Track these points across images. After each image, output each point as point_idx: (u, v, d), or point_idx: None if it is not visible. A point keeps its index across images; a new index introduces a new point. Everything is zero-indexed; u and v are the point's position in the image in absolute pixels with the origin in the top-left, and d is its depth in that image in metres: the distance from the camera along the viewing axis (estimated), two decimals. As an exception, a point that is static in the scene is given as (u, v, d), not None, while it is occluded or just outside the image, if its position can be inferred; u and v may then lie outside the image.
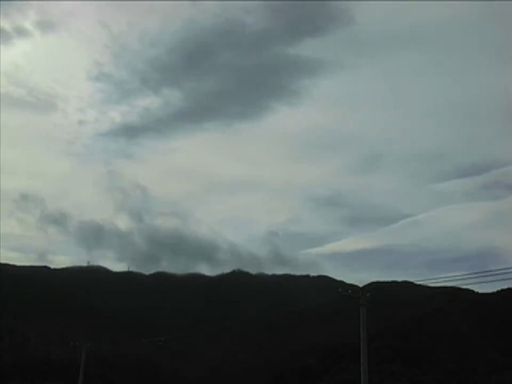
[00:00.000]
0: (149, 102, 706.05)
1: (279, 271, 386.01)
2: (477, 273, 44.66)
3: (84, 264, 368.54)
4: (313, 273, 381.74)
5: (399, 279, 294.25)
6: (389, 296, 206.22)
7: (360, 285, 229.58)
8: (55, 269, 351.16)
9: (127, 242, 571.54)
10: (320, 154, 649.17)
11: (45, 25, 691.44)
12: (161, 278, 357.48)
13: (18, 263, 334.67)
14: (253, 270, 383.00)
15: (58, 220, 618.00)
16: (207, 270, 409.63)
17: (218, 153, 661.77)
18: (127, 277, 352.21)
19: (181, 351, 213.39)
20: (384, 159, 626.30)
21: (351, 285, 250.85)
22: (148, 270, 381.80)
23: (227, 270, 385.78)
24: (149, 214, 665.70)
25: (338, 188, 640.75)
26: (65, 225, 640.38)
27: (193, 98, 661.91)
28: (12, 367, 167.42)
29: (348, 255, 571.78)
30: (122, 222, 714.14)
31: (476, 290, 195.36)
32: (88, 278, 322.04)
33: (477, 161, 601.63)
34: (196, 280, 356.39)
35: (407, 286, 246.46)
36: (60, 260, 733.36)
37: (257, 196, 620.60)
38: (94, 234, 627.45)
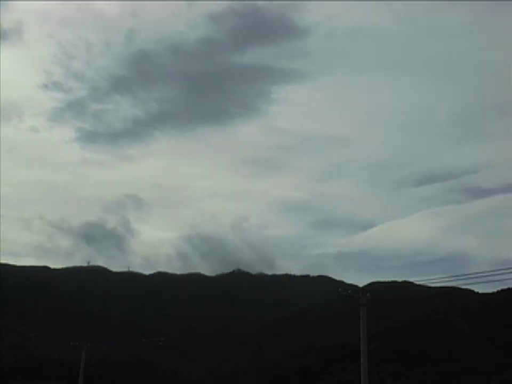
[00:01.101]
0: (102, 110, 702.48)
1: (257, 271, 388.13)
2: (477, 273, 44.74)
3: (84, 264, 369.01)
4: (312, 273, 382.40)
5: (399, 279, 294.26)
6: (389, 296, 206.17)
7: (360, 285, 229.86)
8: (55, 269, 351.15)
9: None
10: (285, 161, 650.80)
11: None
12: (161, 278, 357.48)
13: (18, 263, 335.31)
14: (252, 270, 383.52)
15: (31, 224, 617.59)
16: (207, 270, 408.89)
17: (179, 160, 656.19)
18: (127, 277, 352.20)
19: (181, 351, 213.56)
20: (345, 167, 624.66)
21: (351, 285, 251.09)
22: (147, 270, 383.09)
23: (227, 270, 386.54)
24: (109, 220, 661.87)
25: (303, 195, 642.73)
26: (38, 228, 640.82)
27: (147, 106, 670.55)
28: (12, 367, 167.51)
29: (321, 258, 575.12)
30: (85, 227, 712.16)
31: (475, 290, 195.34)
32: (88, 278, 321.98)
33: (434, 169, 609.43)
34: (196, 280, 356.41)
35: (407, 286, 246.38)
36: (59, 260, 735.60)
37: (222, 201, 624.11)
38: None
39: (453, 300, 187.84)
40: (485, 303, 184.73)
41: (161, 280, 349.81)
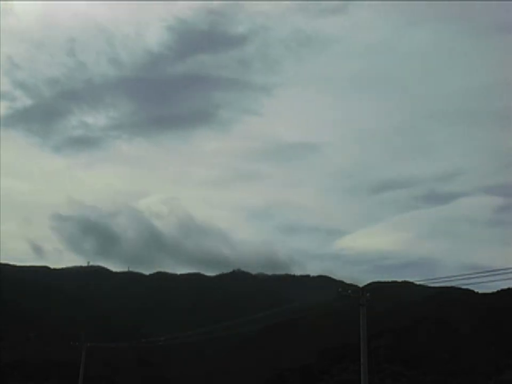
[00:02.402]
0: (52, 118, 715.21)
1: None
2: (477, 273, 44.74)
3: (84, 264, 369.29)
4: (312, 273, 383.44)
5: (399, 279, 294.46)
6: (389, 296, 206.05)
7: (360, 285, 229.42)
8: (55, 269, 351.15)
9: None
10: (250, 168, 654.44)
11: None
12: (161, 278, 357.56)
13: (18, 263, 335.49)
14: (252, 271, 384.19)
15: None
16: (207, 270, 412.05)
17: (140, 166, 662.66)
18: (127, 277, 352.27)
19: (180, 351, 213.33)
20: (307, 177, 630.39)
21: (351, 285, 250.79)
22: (145, 270, 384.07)
23: (227, 270, 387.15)
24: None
25: (266, 202, 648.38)
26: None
27: (97, 114, 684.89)
28: (12, 367, 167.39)
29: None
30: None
31: (475, 290, 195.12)
32: (88, 278, 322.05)
33: (389, 177, 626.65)
34: (196, 280, 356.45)
35: (407, 286, 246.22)
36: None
37: (184, 208, 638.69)
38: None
39: (453, 300, 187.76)
40: (485, 303, 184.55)
41: (161, 280, 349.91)
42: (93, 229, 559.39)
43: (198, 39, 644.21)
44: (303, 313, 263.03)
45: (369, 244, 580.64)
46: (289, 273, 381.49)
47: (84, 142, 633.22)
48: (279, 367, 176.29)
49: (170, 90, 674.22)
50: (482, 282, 46.45)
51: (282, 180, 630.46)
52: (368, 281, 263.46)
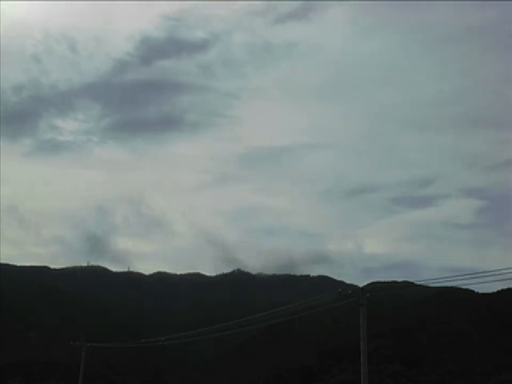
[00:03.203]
0: (27, 125, 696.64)
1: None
2: (476, 273, 44.71)
3: (84, 264, 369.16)
4: (312, 273, 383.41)
5: (399, 279, 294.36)
6: (389, 296, 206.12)
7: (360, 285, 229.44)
8: (55, 269, 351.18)
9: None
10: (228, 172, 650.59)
11: None
12: (161, 278, 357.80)
13: (18, 263, 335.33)
14: (252, 270, 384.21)
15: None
16: (207, 270, 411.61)
17: (117, 172, 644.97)
18: (127, 277, 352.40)
19: (181, 351, 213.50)
20: (281, 181, 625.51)
21: (351, 285, 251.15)
22: (146, 270, 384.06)
23: (227, 270, 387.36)
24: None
25: (246, 206, 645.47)
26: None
27: (68, 120, 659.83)
28: (12, 367, 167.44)
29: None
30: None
31: (475, 290, 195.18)
32: (88, 278, 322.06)
33: (364, 183, 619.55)
34: (196, 280, 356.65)
35: (407, 286, 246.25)
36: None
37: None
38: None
39: (453, 300, 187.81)
40: (485, 303, 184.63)
41: (161, 280, 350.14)
42: (68, 232, 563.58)
43: (158, 45, 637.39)
44: (303, 313, 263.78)
45: (358, 247, 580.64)
46: (289, 273, 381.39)
47: (55, 146, 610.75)
48: (279, 367, 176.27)
49: (136, 95, 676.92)
50: (482, 282, 46.37)
51: (257, 183, 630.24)
52: (368, 281, 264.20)
